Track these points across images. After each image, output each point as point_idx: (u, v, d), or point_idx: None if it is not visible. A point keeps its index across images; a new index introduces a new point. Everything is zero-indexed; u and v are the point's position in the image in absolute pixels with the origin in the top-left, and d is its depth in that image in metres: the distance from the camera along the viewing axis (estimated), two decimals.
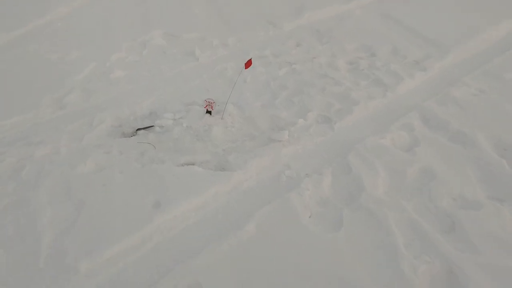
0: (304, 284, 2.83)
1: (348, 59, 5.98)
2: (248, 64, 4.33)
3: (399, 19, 7.16)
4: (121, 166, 3.88)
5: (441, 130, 4.32)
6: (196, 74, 5.64)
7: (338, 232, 3.16)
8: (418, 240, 3.09)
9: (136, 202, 3.46)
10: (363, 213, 3.31)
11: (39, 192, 3.60)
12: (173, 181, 3.67)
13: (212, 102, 4.48)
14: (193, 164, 3.96)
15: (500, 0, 7.73)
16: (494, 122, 4.39)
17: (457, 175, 3.73)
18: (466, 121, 4.39)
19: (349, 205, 3.43)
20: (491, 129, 4.28)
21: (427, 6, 7.65)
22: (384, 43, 6.31)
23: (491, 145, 4.09)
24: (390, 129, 4.31)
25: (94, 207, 3.42)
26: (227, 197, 3.61)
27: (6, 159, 3.99)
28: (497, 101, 4.79)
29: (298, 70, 5.65)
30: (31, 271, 2.95)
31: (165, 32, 6.95)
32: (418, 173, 3.76)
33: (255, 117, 4.61)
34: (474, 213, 3.30)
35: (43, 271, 2.94)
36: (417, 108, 4.67)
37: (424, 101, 4.83)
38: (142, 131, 4.44)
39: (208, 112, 4.59)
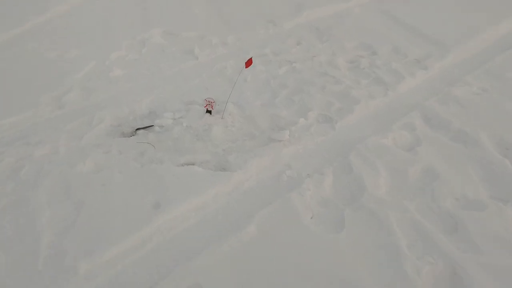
0: (306, 286, 2.80)
1: (348, 57, 5.95)
2: (248, 63, 4.29)
3: (399, 18, 7.13)
4: (120, 166, 3.85)
5: (443, 129, 4.29)
6: (196, 73, 5.60)
7: (339, 233, 3.14)
8: (420, 241, 3.06)
9: (135, 203, 3.43)
10: (364, 213, 3.29)
11: (38, 192, 3.56)
12: (173, 181, 3.64)
13: (212, 101, 4.45)
14: (193, 164, 3.93)
15: (501, 0, 7.70)
16: (496, 121, 4.37)
17: (459, 174, 3.70)
18: (467, 121, 4.37)
19: (351, 205, 3.40)
20: (493, 128, 4.26)
21: (427, 5, 7.63)
22: (384, 42, 6.28)
23: (493, 144, 4.06)
24: (391, 129, 4.28)
25: (93, 207, 3.39)
26: (227, 198, 3.58)
27: (5, 159, 3.96)
28: (499, 100, 4.77)
29: (298, 68, 5.61)
30: (30, 272, 2.92)
31: (164, 31, 6.91)
32: (420, 173, 3.74)
33: (255, 117, 4.58)
34: (477, 213, 3.28)
35: (42, 273, 2.90)
36: (418, 107, 4.65)
37: (425, 100, 4.80)
38: (141, 130, 4.40)
39: (208, 111, 4.56)
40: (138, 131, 4.40)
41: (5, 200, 3.51)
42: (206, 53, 6.17)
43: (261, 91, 5.11)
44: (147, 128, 4.43)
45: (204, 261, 2.94)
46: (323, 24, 7.03)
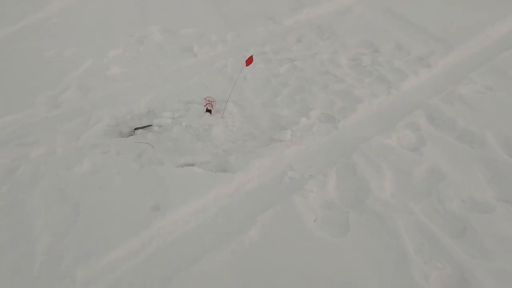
0: None
1: (350, 55, 5.86)
2: (249, 61, 4.19)
3: (401, 14, 7.03)
4: (118, 167, 3.76)
5: (448, 129, 4.21)
6: (195, 71, 5.51)
7: (344, 237, 3.05)
8: (427, 245, 2.98)
9: (134, 205, 3.33)
10: (370, 216, 3.20)
11: (33, 195, 3.48)
12: (172, 182, 3.55)
13: (212, 100, 4.36)
14: (193, 165, 3.84)
15: None
16: (502, 120, 4.28)
17: (466, 175, 3.62)
18: (473, 120, 4.28)
19: (355, 208, 3.31)
20: (499, 127, 4.17)
21: (429, 1, 7.51)
22: (386, 39, 6.19)
23: (500, 144, 3.98)
24: (395, 128, 4.19)
25: (90, 210, 3.30)
26: (228, 200, 3.49)
27: (0, 160, 3.86)
28: (504, 98, 4.68)
29: (299, 66, 5.52)
30: (26, 278, 2.83)
31: (162, 28, 6.82)
32: (426, 174, 3.65)
33: (256, 116, 4.48)
34: (485, 216, 3.19)
35: (38, 279, 2.81)
36: (422, 106, 4.56)
37: (429, 99, 4.71)
38: (140, 130, 4.31)
39: (208, 110, 4.47)
40: (137, 131, 4.30)
41: (0, 202, 3.42)
42: (205, 51, 6.08)
43: (261, 89, 5.02)
44: (145, 128, 4.34)
45: (205, 267, 2.85)
46: (323, 21, 6.93)
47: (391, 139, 4.05)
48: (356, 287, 2.73)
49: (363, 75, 5.27)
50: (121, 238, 3.05)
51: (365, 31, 6.49)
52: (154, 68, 5.62)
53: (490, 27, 6.36)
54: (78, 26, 6.96)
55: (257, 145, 4.09)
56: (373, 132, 4.23)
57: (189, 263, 2.90)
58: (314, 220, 3.22)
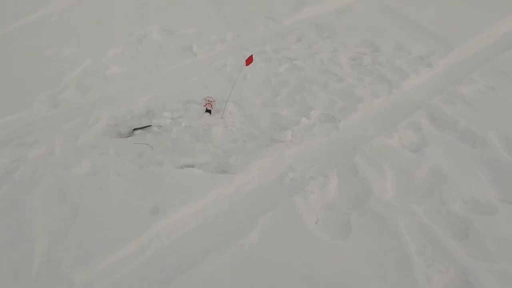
0: None
1: (350, 54, 5.82)
2: (249, 60, 4.16)
3: (401, 13, 6.99)
4: (117, 168, 3.72)
5: (449, 129, 4.18)
6: (194, 71, 5.47)
7: (346, 239, 3.02)
8: (430, 247, 2.94)
9: (133, 207, 3.30)
10: (371, 218, 3.17)
11: (32, 196, 3.44)
12: (172, 184, 3.52)
13: (212, 100, 4.32)
14: (193, 166, 3.80)
15: None
16: (504, 121, 4.25)
17: (468, 176, 3.59)
18: (474, 120, 4.25)
19: (357, 210, 3.28)
20: (501, 127, 4.15)
21: (428, 1, 7.46)
22: (387, 38, 6.15)
23: (502, 144, 3.95)
24: (396, 128, 4.16)
25: (89, 212, 3.26)
26: (228, 201, 3.46)
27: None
28: (506, 98, 4.65)
29: (299, 66, 5.48)
30: (24, 281, 2.80)
31: (161, 27, 6.78)
32: (428, 174, 3.61)
33: (256, 116, 4.45)
34: (488, 217, 3.17)
35: (36, 282, 2.78)
36: (423, 106, 4.53)
37: (430, 99, 4.68)
38: (139, 131, 4.27)
39: (208, 111, 4.43)
40: (136, 131, 4.27)
41: None
42: (205, 50, 6.04)
43: (261, 89, 4.98)
44: (144, 128, 4.31)
45: (205, 269, 2.82)
46: (323, 20, 6.89)
47: (392, 139, 4.02)
48: None
49: (363, 75, 5.23)
50: (120, 240, 3.02)
51: (365, 30, 6.45)
52: (153, 67, 5.58)
53: (491, 26, 6.33)
54: (78, 25, 6.91)
55: (257, 146, 4.06)
56: (374, 132, 4.20)
57: (189, 265, 2.87)
58: (316, 222, 3.19)
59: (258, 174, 3.73)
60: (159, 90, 4.98)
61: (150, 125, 4.33)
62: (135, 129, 4.29)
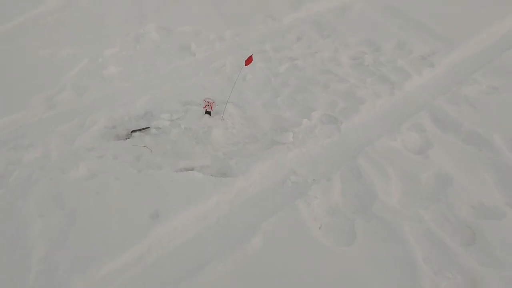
0: None
1: (351, 54, 5.75)
2: (249, 60, 4.08)
3: (402, 12, 6.91)
4: (115, 171, 3.63)
5: (454, 130, 4.10)
6: (193, 71, 5.38)
7: (350, 245, 2.95)
8: (437, 253, 2.87)
9: (132, 212, 3.22)
10: (376, 223, 3.09)
11: (28, 201, 3.35)
12: (171, 187, 3.44)
13: (212, 102, 4.24)
14: (192, 169, 3.72)
15: None
16: (509, 122, 4.18)
17: (474, 179, 3.52)
18: (479, 121, 4.18)
19: (361, 215, 3.20)
20: (506, 129, 4.07)
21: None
22: (388, 37, 6.08)
23: (507, 146, 3.87)
24: (400, 130, 4.09)
25: (87, 218, 3.18)
26: (229, 206, 3.38)
27: None
28: (510, 99, 4.57)
29: (299, 66, 5.40)
30: None
31: (159, 26, 6.69)
32: (433, 178, 3.53)
33: (257, 118, 4.36)
34: (495, 222, 3.09)
35: None
36: (426, 107, 4.45)
37: (433, 99, 4.61)
38: (137, 133, 4.19)
39: (207, 112, 4.35)
40: (134, 134, 4.18)
41: None
42: (203, 50, 5.97)
43: (261, 90, 4.90)
44: (143, 130, 4.22)
45: (206, 277, 2.74)
46: (324, 19, 6.82)
47: (396, 141, 3.94)
48: None
49: (365, 75, 5.16)
50: (119, 247, 2.94)
51: (365, 29, 6.38)
52: (151, 67, 5.50)
53: (490, 26, 6.25)
54: (74, 24, 6.83)
55: (258, 148, 3.98)
56: (377, 134, 4.12)
57: (190, 273, 2.79)
58: (319, 228, 3.12)
59: (259, 177, 3.65)
60: (157, 92, 4.90)
61: (149, 127, 4.24)
62: (133, 131, 4.20)
